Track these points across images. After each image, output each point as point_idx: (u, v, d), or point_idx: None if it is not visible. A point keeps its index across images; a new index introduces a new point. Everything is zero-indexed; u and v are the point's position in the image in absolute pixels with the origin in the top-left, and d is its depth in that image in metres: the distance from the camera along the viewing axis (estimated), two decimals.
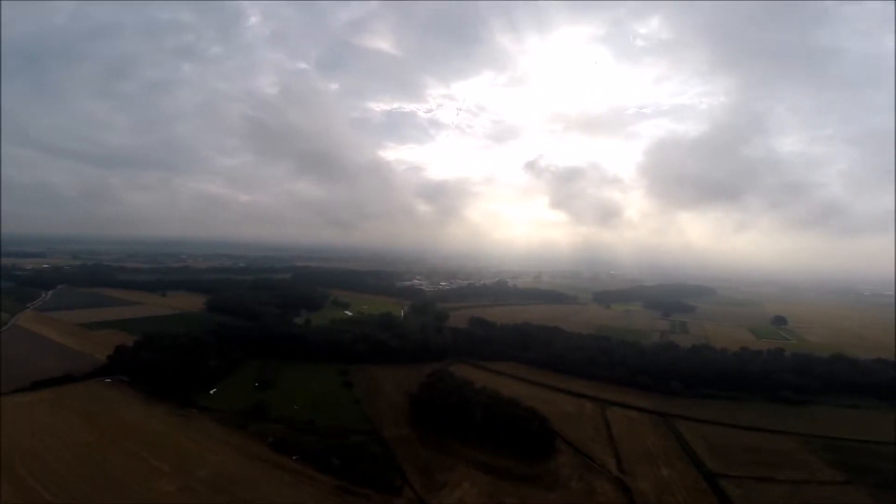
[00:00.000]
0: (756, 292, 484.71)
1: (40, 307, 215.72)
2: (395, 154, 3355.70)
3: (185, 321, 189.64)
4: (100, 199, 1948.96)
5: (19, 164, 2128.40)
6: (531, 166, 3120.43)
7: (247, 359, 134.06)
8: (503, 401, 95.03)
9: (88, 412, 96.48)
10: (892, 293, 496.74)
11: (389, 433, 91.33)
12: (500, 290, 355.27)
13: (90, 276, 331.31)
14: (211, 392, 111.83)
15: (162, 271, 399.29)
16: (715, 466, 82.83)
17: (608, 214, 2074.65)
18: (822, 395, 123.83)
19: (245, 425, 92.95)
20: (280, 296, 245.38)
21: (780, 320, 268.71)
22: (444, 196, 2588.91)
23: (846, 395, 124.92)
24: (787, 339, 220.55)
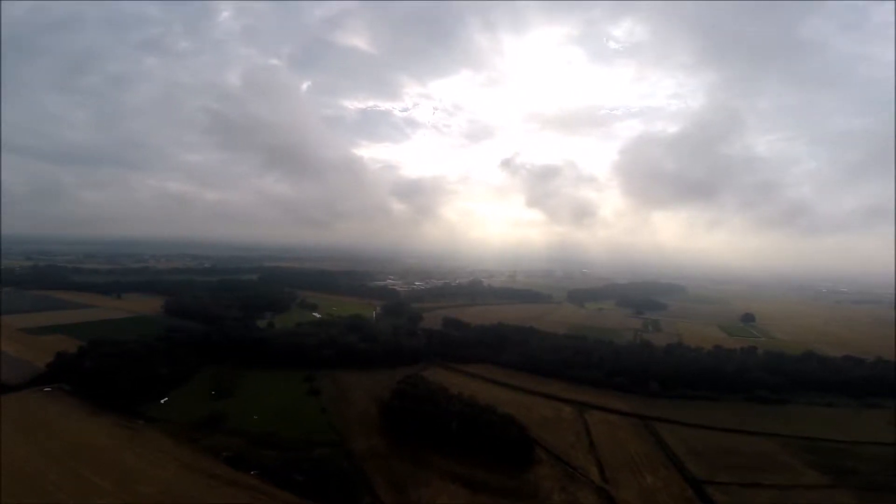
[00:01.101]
0: (724, 290, 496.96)
1: None
2: (370, 153, 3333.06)
3: (139, 325, 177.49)
4: (58, 198, 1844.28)
5: None
6: (507, 164, 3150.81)
7: (203, 365, 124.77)
8: (479, 408, 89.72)
9: (23, 424, 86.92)
10: (847, 290, 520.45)
11: (358, 445, 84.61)
12: (476, 290, 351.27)
13: (41, 277, 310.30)
14: (162, 402, 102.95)
15: (120, 272, 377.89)
16: (699, 472, 79.70)
17: (583, 213, 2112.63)
18: (796, 394, 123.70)
19: (198, 438, 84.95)
20: (244, 297, 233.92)
21: (748, 317, 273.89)
22: (419, 195, 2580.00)
23: (818, 393, 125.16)
24: (757, 336, 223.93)
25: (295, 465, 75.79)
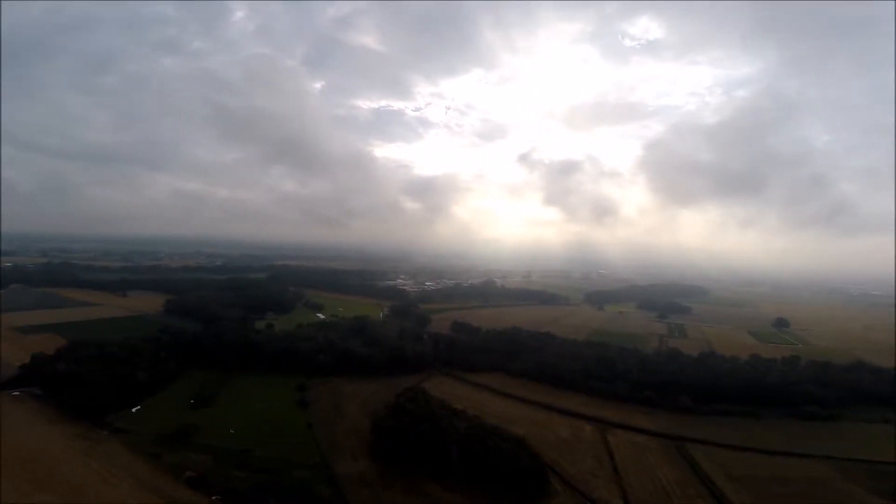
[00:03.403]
0: (749, 292, 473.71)
1: None
2: (383, 152, 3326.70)
3: (136, 324, 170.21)
4: (76, 196, 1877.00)
5: None
6: (524, 159, 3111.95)
7: (188, 370, 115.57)
8: (486, 429, 77.10)
9: None
10: (879, 293, 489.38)
11: (343, 468, 73.18)
12: (488, 291, 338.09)
13: (51, 275, 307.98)
14: (133, 410, 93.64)
15: (131, 270, 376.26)
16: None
17: (603, 211, 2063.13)
18: (847, 409, 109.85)
19: (161, 453, 75.13)
20: (248, 297, 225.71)
21: (781, 322, 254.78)
22: (432, 194, 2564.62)
23: (871, 407, 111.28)
24: (793, 343, 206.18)
25: (266, 489, 65.63)
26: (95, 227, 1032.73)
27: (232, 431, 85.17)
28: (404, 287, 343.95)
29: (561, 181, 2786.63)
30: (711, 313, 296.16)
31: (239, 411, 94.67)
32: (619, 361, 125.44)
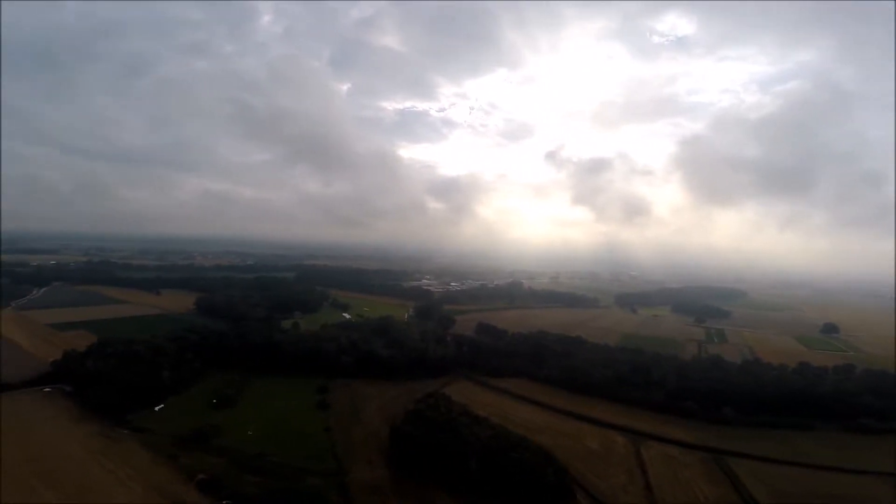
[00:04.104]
0: (790, 295, 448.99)
1: (23, 305, 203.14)
2: (408, 153, 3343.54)
3: (166, 323, 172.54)
4: (113, 198, 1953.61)
5: (37, 162, 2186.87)
6: (552, 157, 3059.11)
7: (213, 370, 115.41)
8: (508, 440, 72.60)
9: (3, 427, 79.79)
10: None
11: (358, 476, 70.28)
12: (515, 292, 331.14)
13: (90, 273, 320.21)
14: (156, 409, 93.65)
15: (166, 269, 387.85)
16: None
17: (634, 210, 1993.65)
18: None
19: (178, 454, 74.07)
20: (275, 296, 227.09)
21: (830, 328, 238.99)
22: (457, 194, 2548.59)
23: None
24: (844, 350, 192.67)
25: (276, 496, 63.53)
26: (130, 227, 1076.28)
27: (250, 433, 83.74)
28: (429, 287, 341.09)
29: (590, 180, 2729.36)
30: (752, 318, 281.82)
31: (259, 413, 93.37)
32: (655, 368, 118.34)
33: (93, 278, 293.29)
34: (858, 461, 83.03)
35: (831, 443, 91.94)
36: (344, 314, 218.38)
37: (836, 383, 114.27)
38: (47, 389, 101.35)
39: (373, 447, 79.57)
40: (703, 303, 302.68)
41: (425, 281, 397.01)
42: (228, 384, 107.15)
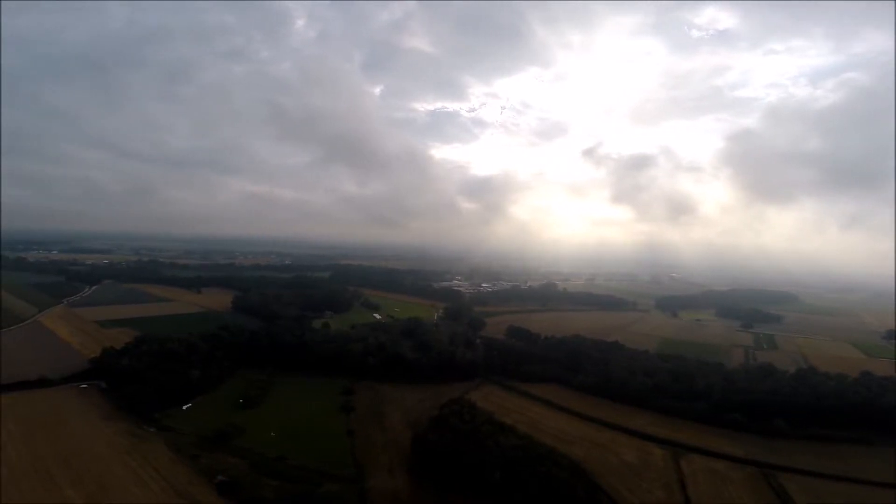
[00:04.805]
0: (845, 299, 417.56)
1: (74, 302, 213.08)
2: (440, 153, 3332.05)
3: (204, 321, 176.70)
4: (160, 199, 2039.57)
5: (92, 165, 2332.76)
6: (590, 154, 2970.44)
7: (242, 369, 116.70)
8: (537, 452, 68.28)
9: (36, 423, 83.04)
10: None
11: (378, 483, 67.83)
12: (548, 294, 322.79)
13: (138, 272, 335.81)
14: (184, 408, 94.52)
15: (208, 268, 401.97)
16: None
17: (678, 209, 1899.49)
18: None
19: (200, 455, 74.00)
20: (308, 296, 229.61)
21: (893, 334, 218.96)
22: (490, 194, 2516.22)
23: None
24: None
25: (293, 501, 61.63)
26: (178, 228, 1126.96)
27: (273, 434, 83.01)
28: (459, 288, 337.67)
29: (631, 177, 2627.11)
30: (804, 323, 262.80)
31: (283, 413, 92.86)
32: (699, 377, 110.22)
33: (141, 277, 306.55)
34: None
35: (890, 459, 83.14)
36: (374, 314, 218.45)
37: None
38: (84, 386, 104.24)
39: (394, 453, 77.13)
40: (752, 307, 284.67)
41: (456, 281, 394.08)
42: (255, 384, 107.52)
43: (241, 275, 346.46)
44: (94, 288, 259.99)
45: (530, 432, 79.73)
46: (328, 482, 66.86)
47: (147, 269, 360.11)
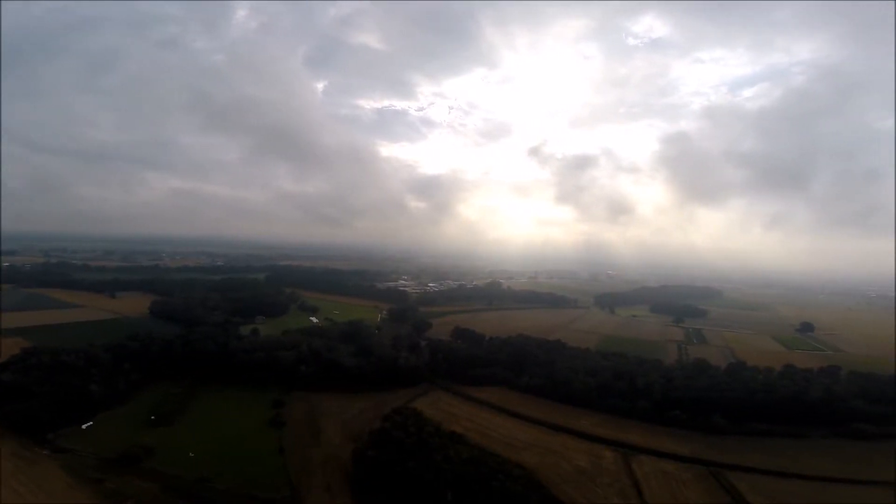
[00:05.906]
0: (763, 294, 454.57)
1: None
2: (387, 152, 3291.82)
3: (115, 329, 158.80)
4: (80, 197, 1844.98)
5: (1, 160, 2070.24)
6: (535, 152, 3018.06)
7: (155, 382, 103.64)
8: (489, 465, 63.52)
9: None
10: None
11: None
12: (494, 293, 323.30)
13: (44, 275, 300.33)
14: (84, 427, 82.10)
15: (128, 270, 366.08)
16: None
17: (617, 209, 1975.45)
18: None
19: (104, 479, 63.93)
20: (238, 299, 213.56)
21: (806, 327, 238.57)
22: (437, 193, 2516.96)
23: None
24: (822, 349, 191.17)
25: None
26: (100, 227, 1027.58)
27: (191, 455, 73.00)
28: (405, 288, 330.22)
29: (574, 177, 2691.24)
30: (728, 317, 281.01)
31: (203, 431, 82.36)
32: (640, 375, 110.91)
33: (46, 281, 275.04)
34: (859, 471, 78.18)
35: (828, 451, 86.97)
36: (312, 318, 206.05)
37: (826, 388, 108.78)
38: None
39: (333, 471, 69.57)
40: (682, 302, 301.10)
41: (402, 281, 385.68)
42: (170, 398, 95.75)
43: (165, 277, 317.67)
44: None
45: (481, 441, 75.34)
46: None
47: (54, 272, 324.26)
